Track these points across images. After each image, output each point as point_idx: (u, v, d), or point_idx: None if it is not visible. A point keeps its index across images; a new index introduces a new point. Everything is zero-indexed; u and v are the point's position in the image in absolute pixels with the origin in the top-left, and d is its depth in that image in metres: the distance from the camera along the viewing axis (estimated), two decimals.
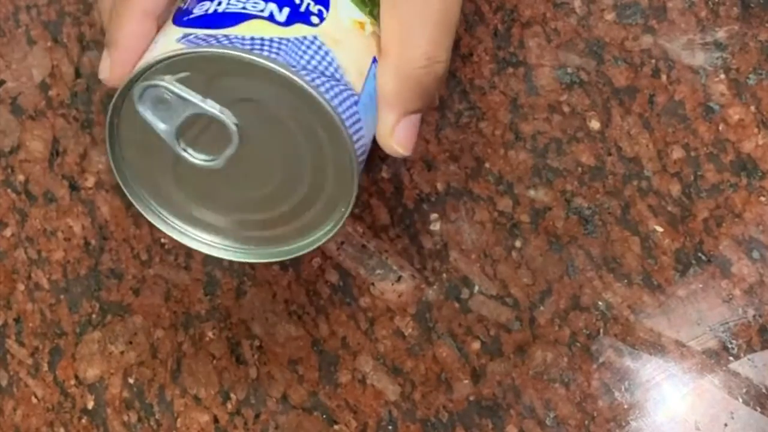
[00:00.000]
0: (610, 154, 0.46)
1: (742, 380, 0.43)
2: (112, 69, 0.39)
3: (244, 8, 0.36)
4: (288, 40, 0.36)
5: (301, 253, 0.39)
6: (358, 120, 0.37)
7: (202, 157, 0.37)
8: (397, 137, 0.39)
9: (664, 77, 0.45)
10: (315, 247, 0.39)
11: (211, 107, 0.35)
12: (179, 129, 0.36)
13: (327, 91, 0.35)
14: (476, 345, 0.46)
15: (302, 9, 0.37)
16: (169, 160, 0.38)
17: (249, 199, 0.39)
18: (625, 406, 0.44)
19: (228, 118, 0.36)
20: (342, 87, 0.36)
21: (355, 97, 0.37)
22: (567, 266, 0.46)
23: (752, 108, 0.44)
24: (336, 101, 0.36)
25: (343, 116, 0.36)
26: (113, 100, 0.36)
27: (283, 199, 0.38)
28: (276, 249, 0.40)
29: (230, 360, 0.49)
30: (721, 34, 0.45)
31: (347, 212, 0.38)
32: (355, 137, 0.37)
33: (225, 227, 0.40)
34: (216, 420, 0.49)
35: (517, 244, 0.46)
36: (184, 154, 0.37)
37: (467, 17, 0.48)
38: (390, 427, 0.47)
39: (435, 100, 0.40)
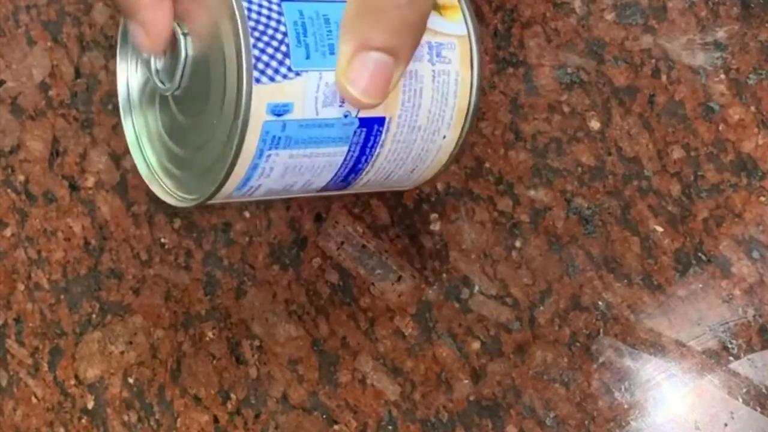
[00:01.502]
0: (610, 154, 0.46)
1: (742, 380, 0.43)
2: (147, 34, 0.37)
3: None
4: None
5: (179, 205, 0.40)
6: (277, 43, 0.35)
7: (163, 80, 0.38)
8: (352, 75, 0.34)
9: (664, 77, 0.45)
10: (187, 204, 0.39)
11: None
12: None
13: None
14: (476, 345, 0.46)
15: None
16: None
17: (182, 131, 0.39)
18: (625, 406, 0.44)
19: (179, 27, 0.37)
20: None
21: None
22: (567, 266, 0.46)
23: (752, 108, 0.44)
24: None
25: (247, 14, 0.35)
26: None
27: (197, 137, 0.38)
28: (177, 191, 0.40)
29: (230, 360, 0.49)
30: (721, 34, 0.45)
31: (212, 192, 0.37)
32: (255, 51, 0.35)
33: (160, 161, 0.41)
34: (216, 420, 0.49)
35: (517, 244, 0.46)
36: (153, 75, 0.38)
37: None
38: (390, 427, 0.47)
39: (403, 40, 0.35)
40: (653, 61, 0.45)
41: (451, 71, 0.39)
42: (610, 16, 0.46)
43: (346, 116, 0.36)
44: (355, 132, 0.37)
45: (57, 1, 0.53)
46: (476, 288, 0.47)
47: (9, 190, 0.53)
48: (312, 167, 0.38)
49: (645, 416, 0.44)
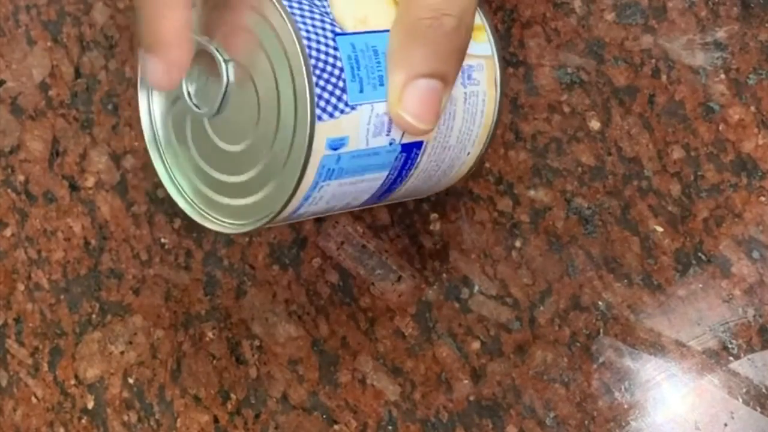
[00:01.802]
0: (610, 154, 0.46)
1: (742, 380, 0.43)
2: (167, 72, 0.35)
3: None
4: None
5: (228, 232, 0.40)
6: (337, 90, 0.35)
7: (197, 103, 0.38)
8: (406, 103, 0.35)
9: (664, 77, 0.45)
10: (235, 232, 0.39)
11: (207, 42, 0.36)
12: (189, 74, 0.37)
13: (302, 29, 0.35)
14: (476, 345, 0.46)
15: None
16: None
17: (223, 158, 0.39)
18: (625, 406, 0.44)
19: (220, 52, 0.36)
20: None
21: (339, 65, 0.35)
22: (567, 266, 0.46)
23: (752, 108, 0.44)
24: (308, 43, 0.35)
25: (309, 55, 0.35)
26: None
27: (244, 168, 0.38)
28: (223, 219, 0.40)
29: (230, 360, 0.49)
30: (721, 34, 0.45)
31: (274, 216, 0.37)
32: (320, 104, 0.35)
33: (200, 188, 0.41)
34: (216, 420, 0.49)
35: (517, 244, 0.46)
36: (186, 98, 0.38)
37: None
38: (390, 427, 0.47)
39: (450, 65, 0.36)
40: (653, 61, 0.45)
41: (480, 92, 0.40)
42: (610, 16, 0.46)
43: (391, 144, 0.37)
44: (396, 157, 0.38)
45: (57, 1, 0.53)
46: (476, 288, 0.47)
47: (9, 190, 0.53)
48: (354, 192, 0.38)
49: (645, 416, 0.44)
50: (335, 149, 0.36)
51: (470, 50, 0.38)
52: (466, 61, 0.39)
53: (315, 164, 0.35)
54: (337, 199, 0.38)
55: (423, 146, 0.38)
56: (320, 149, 0.35)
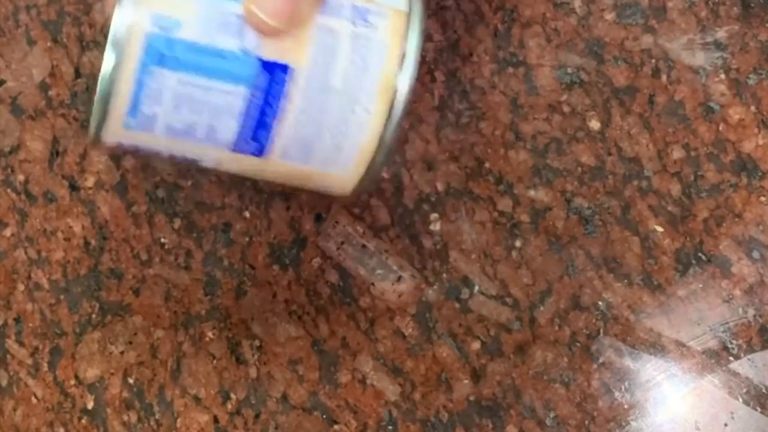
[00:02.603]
0: (610, 154, 0.46)
1: (742, 380, 0.43)
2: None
3: None
4: None
5: None
6: None
7: None
8: None
9: (664, 77, 0.45)
10: None
11: None
12: None
13: None
14: (476, 345, 0.46)
15: None
16: None
17: None
18: (625, 406, 0.44)
19: None
20: None
21: None
22: (567, 266, 0.46)
23: (752, 108, 0.44)
24: None
25: None
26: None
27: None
28: None
29: (230, 360, 0.49)
30: (721, 34, 0.45)
31: None
32: None
33: None
34: (216, 420, 0.49)
35: (517, 244, 0.46)
36: None
37: (467, 17, 0.48)
38: (390, 427, 0.47)
39: None
40: (653, 61, 0.45)
41: (375, 40, 0.37)
42: (610, 16, 0.46)
43: (243, 52, 0.35)
44: (255, 74, 0.36)
45: (57, 1, 0.53)
46: (476, 288, 0.47)
47: (9, 190, 0.53)
48: (209, 105, 0.36)
49: (645, 416, 0.44)
50: (163, 29, 0.34)
51: None
52: (363, 2, 0.37)
53: (138, 39, 0.34)
54: (188, 106, 0.36)
55: (290, 72, 0.36)
56: (142, 23, 0.34)
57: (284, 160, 0.38)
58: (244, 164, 0.38)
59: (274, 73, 0.36)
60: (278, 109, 0.36)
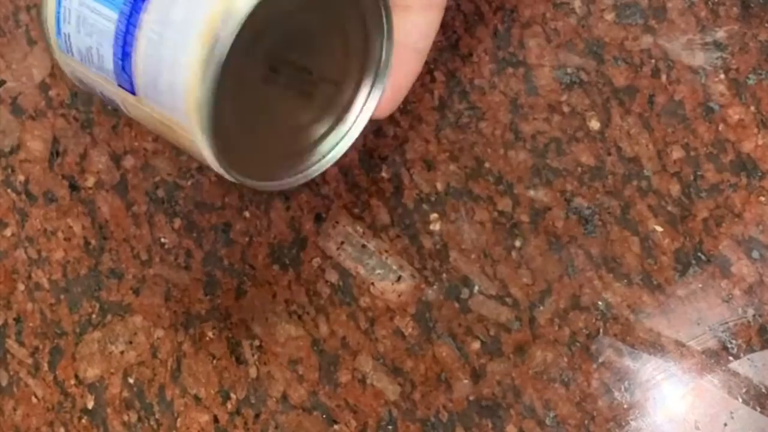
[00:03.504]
0: (609, 154, 0.46)
1: (742, 380, 0.43)
2: None
3: None
4: None
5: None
6: None
7: None
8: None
9: (663, 77, 0.45)
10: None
11: None
12: None
13: None
14: (476, 345, 0.46)
15: None
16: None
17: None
18: (625, 406, 0.44)
19: None
20: None
21: None
22: (567, 266, 0.46)
23: (752, 108, 0.44)
24: None
25: None
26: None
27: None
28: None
29: (230, 360, 0.49)
30: (720, 34, 0.45)
31: None
32: None
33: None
34: (216, 420, 0.49)
35: (517, 244, 0.46)
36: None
37: (467, 17, 0.48)
38: (390, 427, 0.47)
39: None
40: (653, 61, 0.45)
41: None
42: (610, 16, 0.46)
43: None
44: (123, 2, 0.38)
45: None
46: (476, 288, 0.47)
47: (9, 190, 0.53)
48: (95, 28, 0.38)
49: (645, 416, 0.44)
50: None
51: None
52: None
53: None
54: (84, 28, 0.38)
55: (146, 1, 0.37)
56: None
57: (148, 101, 0.38)
58: (135, 108, 0.39)
59: (136, 0, 0.37)
60: (134, 39, 0.37)
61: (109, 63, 0.38)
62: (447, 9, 0.47)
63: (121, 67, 0.38)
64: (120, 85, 0.39)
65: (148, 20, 0.37)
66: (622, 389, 0.44)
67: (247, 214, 0.50)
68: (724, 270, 0.44)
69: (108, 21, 0.38)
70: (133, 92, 0.39)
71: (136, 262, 0.51)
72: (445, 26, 0.48)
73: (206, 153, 0.38)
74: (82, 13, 0.38)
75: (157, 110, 0.38)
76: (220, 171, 0.38)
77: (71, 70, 0.41)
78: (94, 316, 0.51)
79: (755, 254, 0.44)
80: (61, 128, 0.53)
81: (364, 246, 0.48)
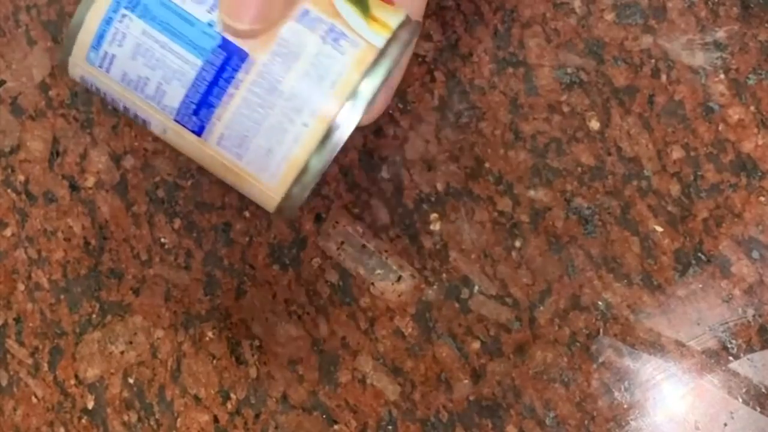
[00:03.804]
0: (609, 154, 0.46)
1: (742, 380, 0.43)
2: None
3: None
4: None
5: None
6: None
7: None
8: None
9: (663, 77, 0.45)
10: None
11: None
12: None
13: None
14: (476, 345, 0.46)
15: None
16: None
17: None
18: (625, 406, 0.44)
19: None
20: None
21: None
22: (567, 266, 0.46)
23: (752, 108, 0.44)
24: None
25: None
26: None
27: None
28: None
29: (230, 360, 0.49)
30: (720, 34, 0.45)
31: None
32: None
33: None
34: (216, 420, 0.49)
35: (517, 244, 0.46)
36: None
37: (467, 17, 0.48)
38: (390, 427, 0.47)
39: None
40: (653, 61, 0.45)
41: (339, 63, 0.37)
42: (609, 16, 0.46)
43: (210, 25, 0.37)
44: (214, 50, 0.37)
45: (57, 1, 0.53)
46: (476, 288, 0.47)
47: (9, 190, 0.53)
48: (164, 64, 0.37)
49: (645, 416, 0.44)
50: None
51: (354, 25, 0.37)
52: (342, 27, 0.37)
53: None
54: (144, 60, 0.37)
55: (247, 61, 0.37)
56: None
57: (220, 148, 0.38)
58: (185, 140, 0.39)
59: (232, 56, 0.37)
60: (224, 93, 0.37)
61: (173, 100, 0.38)
62: (447, 9, 0.47)
63: (194, 111, 0.38)
64: (180, 122, 0.38)
65: (249, 81, 0.37)
66: (622, 389, 0.44)
67: (247, 214, 0.50)
68: (724, 270, 0.44)
69: (185, 64, 0.37)
70: (198, 133, 0.38)
71: (136, 262, 0.51)
72: (445, 26, 0.48)
73: (273, 204, 0.39)
74: (146, 45, 0.37)
75: (228, 159, 0.39)
76: (286, 214, 0.40)
77: (92, 80, 0.40)
78: (94, 316, 0.51)
79: (755, 254, 0.44)
80: (61, 128, 0.53)
81: (364, 246, 0.48)
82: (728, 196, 0.44)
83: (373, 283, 0.48)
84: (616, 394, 0.45)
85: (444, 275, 0.47)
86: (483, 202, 0.47)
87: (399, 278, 0.48)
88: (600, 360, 0.45)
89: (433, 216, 0.47)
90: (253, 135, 0.38)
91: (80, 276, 0.52)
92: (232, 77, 0.37)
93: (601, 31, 0.46)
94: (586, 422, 0.45)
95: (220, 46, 0.37)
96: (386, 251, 0.48)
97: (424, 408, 0.47)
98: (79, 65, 0.39)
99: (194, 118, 0.38)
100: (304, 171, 0.37)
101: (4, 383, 0.52)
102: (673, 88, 0.45)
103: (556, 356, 0.45)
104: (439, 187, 0.47)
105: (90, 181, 0.52)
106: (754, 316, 0.44)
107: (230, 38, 0.37)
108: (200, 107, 0.38)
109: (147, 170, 0.51)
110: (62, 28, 0.53)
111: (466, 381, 0.46)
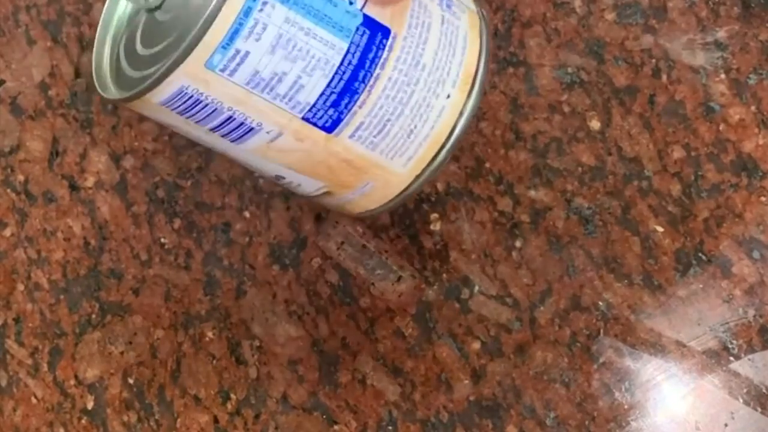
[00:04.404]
0: (610, 154, 0.46)
1: (743, 380, 0.43)
2: None
3: None
4: None
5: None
6: None
7: None
8: None
9: (664, 77, 0.45)
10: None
11: None
12: None
13: None
14: (476, 345, 0.46)
15: None
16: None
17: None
18: (626, 407, 0.44)
19: None
20: None
21: None
22: (567, 266, 0.46)
23: (753, 108, 0.44)
24: None
25: None
26: None
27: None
28: None
29: (230, 360, 0.49)
30: (721, 34, 0.45)
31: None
32: None
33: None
34: (216, 420, 0.49)
35: (518, 244, 0.46)
36: None
37: None
38: (390, 428, 0.47)
39: None
40: (653, 61, 0.45)
41: (460, 27, 0.37)
42: (610, 16, 0.46)
43: (351, 2, 0.34)
44: (358, 29, 0.34)
45: (57, 1, 0.53)
46: (476, 288, 0.47)
47: (9, 190, 0.53)
48: (307, 54, 0.34)
49: (645, 416, 0.44)
50: None
51: None
52: None
53: None
54: (284, 53, 0.33)
55: (390, 37, 0.35)
56: None
57: (353, 140, 0.36)
58: (304, 143, 0.36)
59: (376, 34, 0.34)
60: (370, 76, 0.35)
61: (310, 95, 0.35)
62: None
63: (333, 102, 0.35)
64: (308, 120, 0.35)
65: (393, 58, 0.35)
66: (623, 390, 0.44)
67: (247, 214, 0.50)
68: (724, 270, 0.44)
69: (330, 49, 0.34)
70: (328, 130, 0.36)
71: (135, 262, 0.51)
72: None
73: (394, 193, 0.38)
74: (289, 34, 0.33)
75: (357, 152, 0.36)
76: (400, 200, 0.38)
77: (199, 91, 0.34)
78: (93, 316, 0.51)
79: (756, 254, 0.44)
80: (60, 128, 0.53)
81: (364, 246, 0.48)
82: (729, 196, 0.44)
83: (373, 283, 0.48)
84: (617, 394, 0.44)
85: (444, 275, 0.47)
86: (483, 202, 0.47)
87: (399, 278, 0.48)
88: (600, 360, 0.45)
89: (434, 216, 0.47)
90: (396, 117, 0.36)
91: (80, 276, 0.52)
92: (378, 57, 0.34)
93: (601, 30, 0.46)
94: (586, 423, 0.45)
95: (363, 24, 0.34)
96: (386, 251, 0.48)
97: (424, 408, 0.47)
98: (191, 73, 0.34)
99: (330, 111, 0.35)
100: (445, 144, 0.36)
101: (4, 383, 0.52)
102: (673, 87, 0.45)
103: (556, 356, 0.45)
104: (440, 187, 0.47)
105: (90, 181, 0.52)
106: (754, 316, 0.43)
107: (371, 12, 0.34)
108: (342, 96, 0.35)
109: (147, 170, 0.51)
110: (62, 28, 0.53)
111: (467, 381, 0.46)
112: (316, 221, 0.49)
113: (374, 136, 0.36)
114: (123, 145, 0.52)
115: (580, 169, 0.46)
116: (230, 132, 0.36)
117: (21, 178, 0.53)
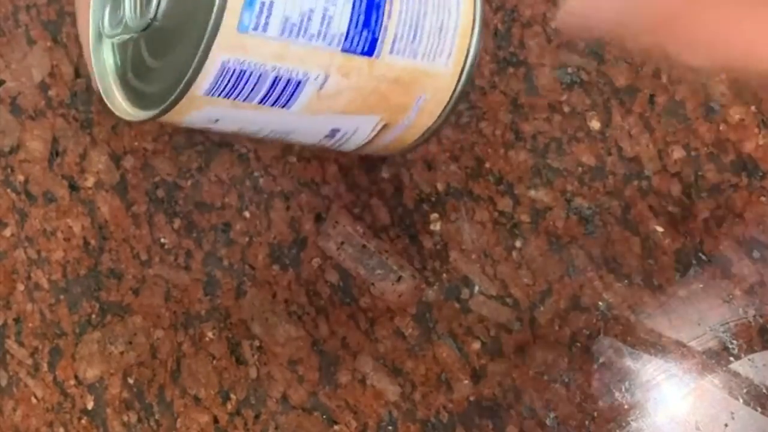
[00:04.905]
0: (610, 154, 0.46)
1: (743, 380, 0.43)
2: None
3: None
4: None
5: None
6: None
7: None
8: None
9: (664, 77, 0.45)
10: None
11: None
12: None
13: None
14: (476, 345, 0.46)
15: None
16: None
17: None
18: (626, 407, 0.44)
19: None
20: None
21: None
22: (567, 266, 0.46)
23: (753, 108, 0.44)
24: None
25: None
26: None
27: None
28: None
29: (230, 360, 0.49)
30: None
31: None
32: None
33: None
34: (216, 420, 0.49)
35: (518, 244, 0.46)
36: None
37: None
38: (390, 428, 0.47)
39: None
40: (653, 61, 0.45)
41: None
42: None
43: None
44: None
45: (57, 1, 0.53)
46: (476, 288, 0.47)
47: (9, 190, 0.53)
48: None
49: (645, 417, 0.44)
50: None
51: None
52: None
53: None
54: None
55: None
56: None
57: (393, 55, 0.37)
58: (353, 76, 0.36)
59: None
60: None
61: (341, 24, 0.35)
62: None
63: (364, 22, 0.35)
64: (348, 50, 0.36)
65: None
66: (623, 390, 0.44)
67: (247, 214, 0.50)
68: (725, 270, 0.44)
69: None
70: (369, 53, 0.36)
71: (135, 262, 0.51)
72: None
73: (450, 93, 0.39)
74: None
75: (403, 65, 0.37)
76: (453, 104, 0.40)
77: (242, 58, 0.34)
78: (93, 316, 0.51)
79: (756, 254, 0.44)
80: (60, 128, 0.53)
81: (364, 246, 0.48)
82: (729, 196, 0.44)
83: (373, 284, 0.48)
84: (617, 394, 0.44)
85: (444, 275, 0.47)
86: (483, 202, 0.47)
87: (399, 278, 0.48)
88: (600, 360, 0.45)
89: (434, 216, 0.47)
90: (423, 18, 0.37)
91: (80, 276, 0.52)
92: None
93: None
94: (586, 423, 0.45)
95: None
96: (386, 251, 0.48)
97: (424, 408, 0.47)
98: (228, 44, 0.34)
99: (364, 33, 0.36)
100: (473, 33, 0.38)
101: (4, 383, 0.52)
102: (673, 88, 0.45)
103: (556, 357, 0.45)
104: (439, 187, 0.47)
105: (90, 181, 0.52)
106: (755, 316, 0.43)
107: None
108: (369, 14, 0.35)
109: (147, 170, 0.51)
110: (62, 28, 0.53)
111: (467, 381, 0.46)
112: (316, 221, 0.49)
113: (411, 44, 0.37)
114: (123, 145, 0.52)
115: (580, 169, 0.46)
116: (279, 96, 0.36)
117: (21, 178, 0.53)
